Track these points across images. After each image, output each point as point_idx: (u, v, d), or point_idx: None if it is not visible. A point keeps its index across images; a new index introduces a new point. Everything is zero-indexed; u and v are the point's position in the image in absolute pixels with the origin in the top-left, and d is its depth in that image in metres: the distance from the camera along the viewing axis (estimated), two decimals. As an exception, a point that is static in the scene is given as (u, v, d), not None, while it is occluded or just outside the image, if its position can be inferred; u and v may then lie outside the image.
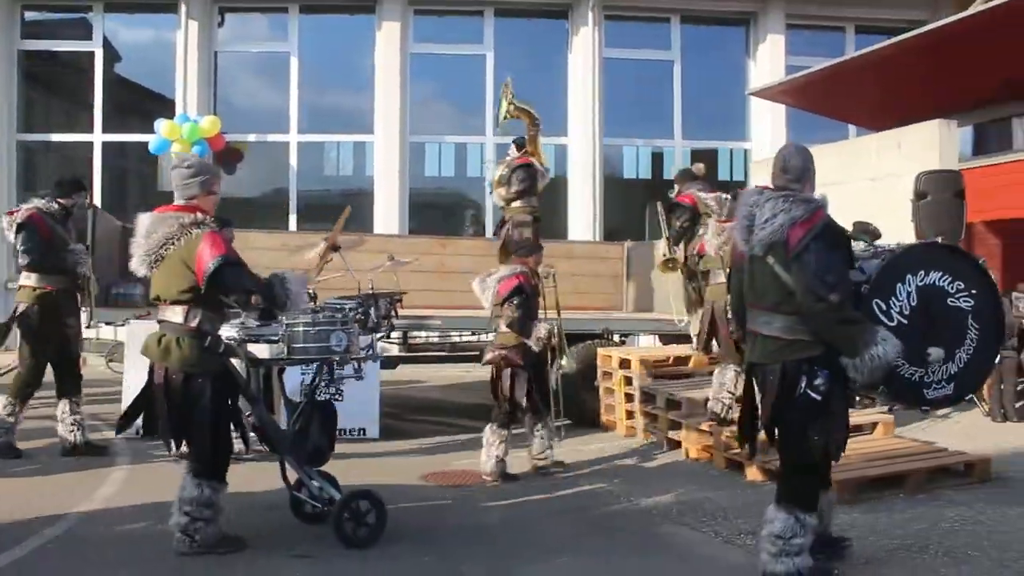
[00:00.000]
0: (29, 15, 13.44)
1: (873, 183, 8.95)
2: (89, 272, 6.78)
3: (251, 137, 13.34)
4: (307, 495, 4.79)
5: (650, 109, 14.13)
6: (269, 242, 9.10)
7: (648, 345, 10.19)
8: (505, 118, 9.31)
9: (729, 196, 8.46)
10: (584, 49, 13.43)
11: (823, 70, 10.92)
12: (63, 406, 6.68)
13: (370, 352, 5.04)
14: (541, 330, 6.28)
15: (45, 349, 6.65)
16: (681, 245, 8.06)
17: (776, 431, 4.18)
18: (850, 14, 14.10)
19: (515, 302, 6.22)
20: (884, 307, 5.23)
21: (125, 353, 7.75)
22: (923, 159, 8.52)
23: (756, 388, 4.20)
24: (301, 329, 4.60)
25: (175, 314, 4.35)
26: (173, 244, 4.29)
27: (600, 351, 8.19)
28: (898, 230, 8.34)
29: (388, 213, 12.87)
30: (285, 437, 4.78)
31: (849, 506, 5.42)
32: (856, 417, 7.00)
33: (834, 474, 5.68)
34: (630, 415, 7.91)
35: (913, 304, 4.69)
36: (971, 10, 9.18)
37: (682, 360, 8.20)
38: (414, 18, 13.49)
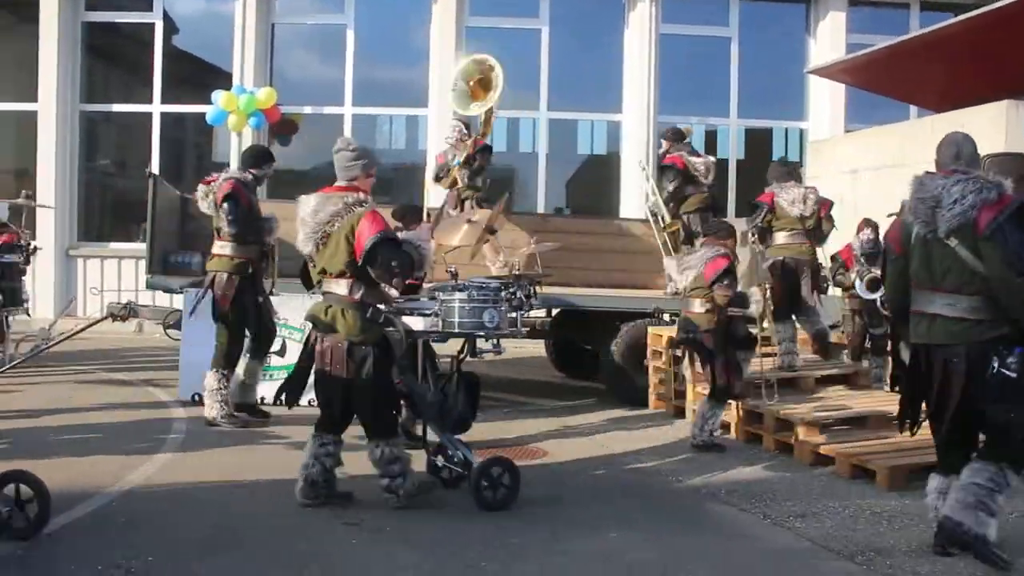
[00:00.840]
0: (93, -13, 13.68)
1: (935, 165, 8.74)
2: (274, 241, 6.89)
3: (306, 109, 13.47)
4: (446, 461, 5.12)
5: (706, 86, 13.94)
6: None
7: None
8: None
9: (714, 160, 8.69)
10: (640, 25, 13.28)
11: (885, 48, 10.67)
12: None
13: (514, 329, 5.25)
14: (757, 295, 6.60)
15: (245, 317, 6.77)
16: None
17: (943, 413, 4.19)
18: (915, -9, 13.76)
19: (726, 282, 6.36)
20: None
21: (182, 320, 7.90)
22: (989, 141, 8.29)
23: (933, 370, 4.19)
24: (457, 305, 4.91)
25: (340, 287, 4.66)
26: (339, 221, 4.60)
27: (651, 330, 8.15)
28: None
29: (440, 187, 12.86)
30: (431, 405, 5.09)
31: (899, 493, 5.36)
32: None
33: (886, 460, 5.67)
34: (680, 395, 7.88)
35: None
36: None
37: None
38: (470, -9, 13.44)
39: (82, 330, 8.06)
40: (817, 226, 7.50)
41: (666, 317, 8.64)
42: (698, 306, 6.53)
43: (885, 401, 6.96)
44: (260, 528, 4.47)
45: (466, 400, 5.12)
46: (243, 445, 6.26)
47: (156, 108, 13.50)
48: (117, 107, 13.89)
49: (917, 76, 11.31)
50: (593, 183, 14.12)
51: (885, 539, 4.53)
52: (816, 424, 6.36)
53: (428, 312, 4.98)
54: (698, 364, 6.74)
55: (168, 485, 5.20)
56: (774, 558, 4.34)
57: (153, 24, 13.48)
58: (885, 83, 12.19)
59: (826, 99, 13.52)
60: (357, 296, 4.62)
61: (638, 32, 13.30)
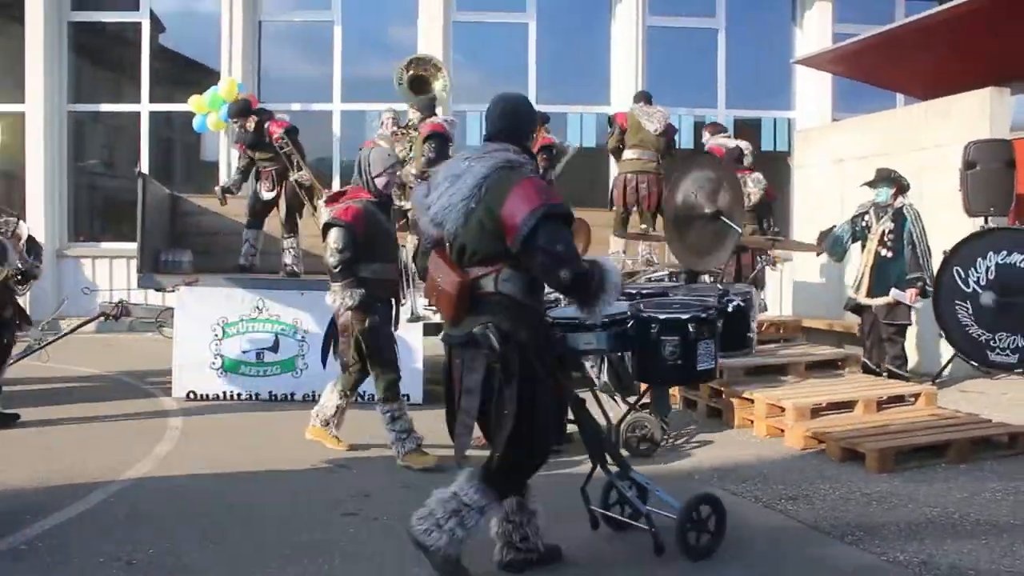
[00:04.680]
0: (78, -13, 13.64)
1: (921, 153, 8.82)
2: None
3: (295, 106, 13.44)
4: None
5: (694, 78, 13.98)
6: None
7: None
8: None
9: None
10: (628, 17, 13.31)
11: (872, 38, 10.73)
12: None
13: None
14: None
15: None
16: None
17: None
18: (900, -21, 13.82)
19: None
20: (963, 275, 6.23)
21: (175, 319, 7.96)
22: (974, 128, 8.37)
23: None
24: None
25: None
26: None
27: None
28: (947, 201, 8.24)
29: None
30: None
31: (889, 475, 5.44)
32: (898, 388, 6.99)
33: (875, 443, 5.74)
34: (670, 383, 7.92)
35: (990, 277, 5.70)
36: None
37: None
38: (456, -14, 13.46)
39: (75, 329, 8.10)
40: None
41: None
42: None
43: (874, 385, 7.05)
44: (259, 519, 4.52)
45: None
46: (239, 440, 6.30)
47: (144, 107, 13.48)
48: (105, 107, 13.86)
49: (903, 65, 11.39)
50: (585, 176, 14.15)
51: (874, 519, 4.61)
52: (806, 409, 6.43)
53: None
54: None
55: (167, 479, 5.25)
56: (765, 539, 4.40)
57: (139, 23, 13.46)
58: (871, 72, 12.27)
59: (813, 89, 13.59)
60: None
61: (625, 24, 13.34)
